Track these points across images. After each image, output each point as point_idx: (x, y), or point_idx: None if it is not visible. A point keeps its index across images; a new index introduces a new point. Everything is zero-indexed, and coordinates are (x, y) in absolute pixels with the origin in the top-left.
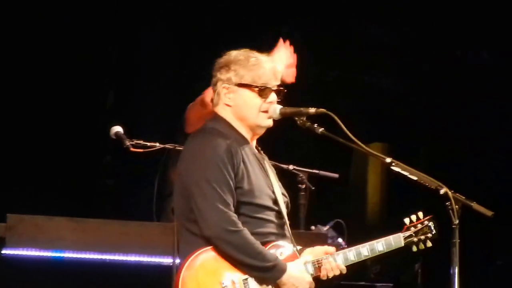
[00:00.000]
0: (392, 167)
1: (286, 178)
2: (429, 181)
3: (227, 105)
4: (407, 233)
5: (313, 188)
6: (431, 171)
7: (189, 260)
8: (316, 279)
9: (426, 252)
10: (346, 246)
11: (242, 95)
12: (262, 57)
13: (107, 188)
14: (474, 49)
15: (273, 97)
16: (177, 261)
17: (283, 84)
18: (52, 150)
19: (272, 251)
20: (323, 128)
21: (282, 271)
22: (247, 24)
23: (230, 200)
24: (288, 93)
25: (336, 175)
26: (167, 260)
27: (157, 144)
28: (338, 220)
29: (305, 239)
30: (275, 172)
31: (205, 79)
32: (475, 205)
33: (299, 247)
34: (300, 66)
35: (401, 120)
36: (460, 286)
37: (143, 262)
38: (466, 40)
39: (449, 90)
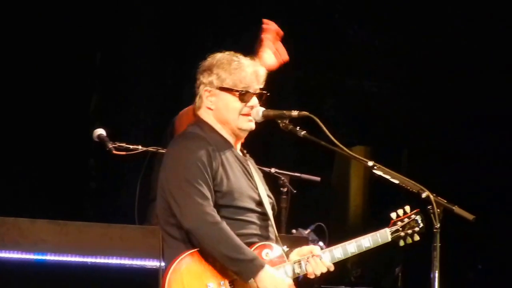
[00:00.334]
0: (374, 171)
1: (267, 181)
2: (411, 185)
3: (209, 108)
4: (394, 228)
5: (294, 191)
6: (413, 175)
7: (175, 263)
8: (297, 283)
9: (406, 256)
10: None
11: (223, 98)
12: (244, 61)
13: (90, 191)
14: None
15: (254, 101)
16: (162, 264)
17: (265, 88)
18: (35, 152)
19: (256, 251)
20: (305, 131)
21: (260, 266)
22: (230, 27)
23: (209, 195)
24: (271, 96)
25: (318, 179)
26: (149, 263)
27: (140, 147)
28: (320, 223)
29: (286, 243)
30: (261, 174)
31: (189, 83)
32: (456, 209)
33: (286, 248)
34: (283, 69)
35: (384, 123)
36: None
37: (125, 265)
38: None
39: (431, 93)
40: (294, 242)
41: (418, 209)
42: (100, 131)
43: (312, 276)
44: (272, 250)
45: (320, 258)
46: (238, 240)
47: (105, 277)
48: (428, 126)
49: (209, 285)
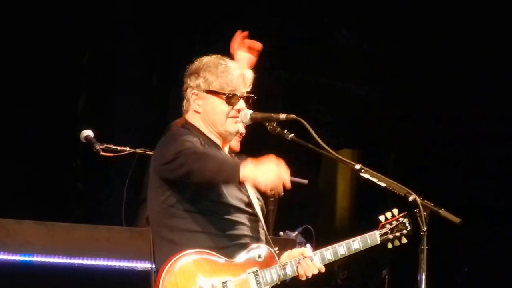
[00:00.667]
0: (361, 174)
1: None
2: (398, 188)
3: (197, 111)
4: (383, 231)
5: (282, 194)
6: (400, 178)
7: (169, 264)
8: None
9: (393, 258)
10: None
11: (210, 102)
12: (231, 64)
13: (77, 192)
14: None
15: (241, 104)
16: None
17: (252, 91)
18: (22, 153)
19: (252, 252)
20: (293, 134)
21: (242, 165)
22: (218, 30)
23: None
24: (258, 99)
25: (305, 181)
26: (136, 265)
27: (127, 149)
28: (307, 226)
29: (274, 245)
30: None
31: (176, 85)
32: (443, 212)
33: (277, 250)
34: (271, 72)
35: (371, 127)
36: None
37: (113, 266)
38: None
39: (419, 98)
40: (282, 244)
41: (406, 212)
42: (88, 133)
43: (303, 278)
44: (264, 251)
45: (311, 259)
46: (220, 155)
47: (92, 279)
48: (415, 130)
49: (203, 287)
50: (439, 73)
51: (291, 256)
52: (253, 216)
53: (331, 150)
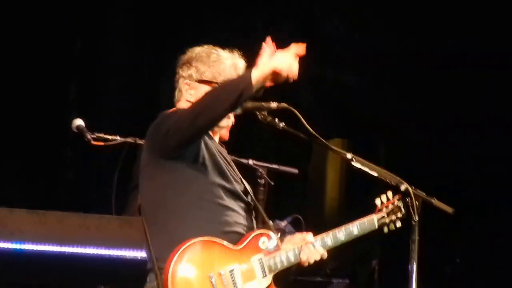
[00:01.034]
0: (353, 163)
1: (244, 173)
2: (390, 177)
3: (189, 101)
4: (380, 215)
5: (272, 183)
6: (391, 167)
7: (177, 254)
8: (274, 276)
9: (383, 248)
10: None
11: (202, 91)
12: (223, 54)
13: (66, 181)
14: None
15: None
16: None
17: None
18: (12, 142)
19: (255, 239)
20: (284, 123)
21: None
22: (208, 18)
23: None
24: None
25: (295, 171)
26: (126, 253)
27: (118, 138)
28: (297, 215)
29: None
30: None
31: (166, 75)
32: (435, 202)
33: (278, 236)
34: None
35: (362, 116)
36: (418, 283)
37: (102, 254)
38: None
39: (410, 87)
40: None
41: (401, 195)
42: (79, 122)
43: (306, 264)
44: (269, 239)
45: (313, 245)
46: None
47: (82, 267)
48: (406, 119)
49: (211, 275)
50: (429, 62)
51: (292, 242)
52: (247, 205)
53: (322, 140)
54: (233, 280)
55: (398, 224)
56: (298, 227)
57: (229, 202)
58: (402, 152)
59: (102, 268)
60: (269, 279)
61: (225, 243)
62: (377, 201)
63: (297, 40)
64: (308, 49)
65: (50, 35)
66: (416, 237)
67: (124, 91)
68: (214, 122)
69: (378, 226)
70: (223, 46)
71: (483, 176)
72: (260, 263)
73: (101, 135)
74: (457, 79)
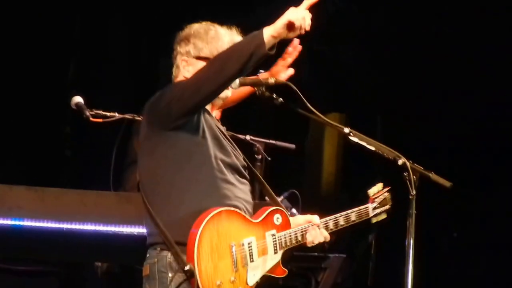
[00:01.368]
0: (350, 137)
1: (241, 149)
2: (387, 151)
3: (186, 78)
4: (374, 204)
5: (269, 158)
6: (388, 142)
7: (203, 224)
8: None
9: (380, 223)
10: None
11: (200, 67)
12: (221, 30)
13: (65, 158)
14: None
15: None
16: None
17: None
18: (11, 120)
19: (270, 214)
20: (281, 99)
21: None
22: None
23: None
24: None
25: (293, 146)
26: (123, 229)
27: (116, 114)
28: (293, 190)
29: (259, 209)
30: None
31: (165, 52)
32: (433, 176)
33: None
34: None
35: (359, 90)
36: (415, 258)
37: (100, 230)
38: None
39: (407, 60)
40: None
41: (389, 187)
42: (78, 99)
43: (311, 245)
44: (282, 216)
45: (319, 227)
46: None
47: (80, 243)
48: (403, 93)
49: (232, 244)
50: (427, 35)
51: (295, 223)
52: (246, 179)
53: (320, 114)
54: (250, 252)
55: (383, 216)
56: (294, 202)
57: (229, 176)
58: (399, 126)
59: (100, 244)
60: (279, 256)
61: (246, 214)
62: (370, 191)
63: None
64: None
65: (49, 13)
66: (413, 211)
67: (123, 68)
68: (223, 86)
69: (371, 216)
70: (222, 23)
71: (481, 150)
72: (273, 239)
73: (100, 111)
74: (455, 52)
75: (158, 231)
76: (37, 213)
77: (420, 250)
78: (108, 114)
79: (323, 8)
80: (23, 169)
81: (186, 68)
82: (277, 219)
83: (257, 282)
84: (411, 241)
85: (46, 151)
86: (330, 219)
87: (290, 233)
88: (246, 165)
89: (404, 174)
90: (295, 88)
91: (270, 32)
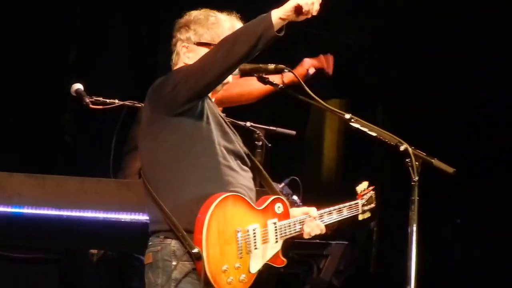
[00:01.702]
0: (352, 123)
1: (241, 135)
2: (389, 137)
3: (187, 64)
4: (363, 201)
5: (269, 145)
6: (389, 127)
7: (211, 209)
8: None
9: (381, 210)
10: (301, 203)
11: (201, 54)
12: (222, 16)
13: (64, 145)
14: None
15: None
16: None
17: None
18: (10, 107)
19: (272, 202)
20: (282, 84)
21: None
22: None
23: None
24: None
25: (293, 132)
26: (124, 216)
27: (116, 101)
28: (294, 177)
29: (260, 196)
30: None
31: (165, 39)
32: (436, 162)
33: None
34: None
35: (359, 76)
36: (418, 245)
37: (100, 218)
38: None
39: (408, 46)
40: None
41: (374, 186)
42: (78, 86)
43: (307, 236)
44: (283, 205)
45: (317, 219)
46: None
47: (80, 230)
48: (405, 79)
49: (238, 230)
50: (429, 20)
51: (292, 215)
52: (247, 166)
53: (320, 100)
54: (254, 239)
55: (368, 215)
56: (295, 188)
57: (232, 162)
58: (400, 112)
59: (100, 231)
60: (279, 245)
61: (250, 201)
62: (358, 188)
63: None
64: None
65: (49, 1)
66: (415, 197)
67: (123, 54)
68: (230, 69)
69: (360, 212)
70: (221, 10)
71: (484, 136)
72: (274, 227)
73: (100, 98)
74: (457, 38)
75: (162, 218)
76: (37, 200)
77: (423, 237)
78: (108, 101)
79: None
80: (23, 156)
81: (186, 54)
82: (278, 207)
83: (259, 270)
84: (414, 228)
85: (46, 138)
86: (325, 212)
87: (290, 223)
88: (247, 151)
89: (407, 160)
90: (295, 74)
91: (278, 14)
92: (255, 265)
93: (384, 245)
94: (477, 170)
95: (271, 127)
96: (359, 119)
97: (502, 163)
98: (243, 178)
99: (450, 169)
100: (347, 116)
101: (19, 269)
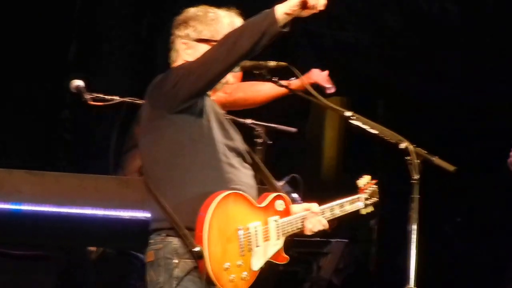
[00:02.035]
0: (352, 121)
1: (242, 132)
2: (390, 135)
3: (186, 61)
4: (365, 195)
5: (270, 142)
6: (389, 125)
7: (212, 207)
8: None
9: (382, 208)
10: (301, 201)
11: (201, 50)
12: (221, 12)
13: (64, 142)
14: (441, 2)
15: None
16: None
17: None
18: (10, 103)
19: (274, 200)
20: (283, 81)
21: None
22: None
23: None
24: None
25: (294, 129)
26: (123, 214)
27: (116, 98)
28: (294, 175)
29: (260, 194)
30: None
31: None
32: (436, 160)
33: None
34: None
35: (361, 73)
36: (418, 243)
37: (99, 215)
38: None
39: (409, 44)
40: None
41: (377, 180)
42: (78, 82)
43: (309, 233)
44: (284, 202)
45: (318, 215)
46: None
47: (80, 227)
48: (405, 77)
49: (239, 228)
50: (429, 18)
51: (293, 212)
52: (248, 163)
53: (321, 98)
54: (256, 237)
55: (371, 209)
56: (295, 186)
57: (233, 160)
58: (401, 110)
59: (99, 228)
60: (281, 242)
61: (251, 198)
62: (359, 183)
63: None
64: None
65: None
66: (416, 195)
67: (123, 51)
68: (233, 65)
69: (362, 206)
70: (219, 6)
71: (485, 134)
72: (276, 225)
73: (100, 95)
74: (457, 34)
75: (163, 216)
76: (36, 197)
77: (423, 235)
78: (107, 97)
79: None
80: (22, 153)
81: (186, 51)
82: (280, 205)
83: (261, 267)
84: (414, 226)
85: (45, 135)
86: (327, 207)
87: (291, 220)
88: (248, 149)
89: (407, 158)
90: (296, 71)
91: (283, 10)
92: (257, 263)
93: (384, 244)
94: (478, 168)
95: (271, 124)
96: (359, 116)
97: (504, 161)
98: (244, 175)
99: (450, 167)
100: (348, 113)
101: (17, 266)
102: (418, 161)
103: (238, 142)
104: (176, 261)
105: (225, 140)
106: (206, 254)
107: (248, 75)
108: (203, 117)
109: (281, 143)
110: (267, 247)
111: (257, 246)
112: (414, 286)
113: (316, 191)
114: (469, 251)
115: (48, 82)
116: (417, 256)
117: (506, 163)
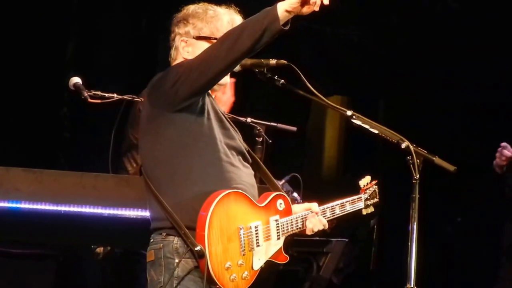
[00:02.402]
0: (353, 120)
1: (242, 131)
2: (390, 135)
3: (186, 59)
4: (366, 195)
5: (270, 141)
6: (391, 125)
7: (213, 205)
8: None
9: (382, 208)
10: (301, 200)
11: (200, 48)
12: (220, 10)
13: (63, 140)
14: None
15: None
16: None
17: None
18: (8, 101)
19: (274, 199)
20: (283, 80)
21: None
22: None
23: None
24: None
25: (294, 128)
26: (122, 212)
27: (115, 95)
28: (294, 174)
29: (260, 193)
30: None
31: (165, 33)
32: (437, 160)
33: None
34: None
35: (361, 73)
36: (418, 243)
37: (99, 213)
38: None
39: (410, 43)
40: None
41: (377, 180)
42: (76, 80)
43: (310, 233)
44: (285, 202)
45: (318, 215)
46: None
47: (78, 226)
48: (407, 76)
49: (240, 227)
50: (431, 17)
51: (293, 211)
52: (248, 163)
53: (322, 97)
54: (257, 237)
55: (372, 209)
56: (295, 185)
57: (234, 159)
58: (402, 110)
59: (98, 227)
60: (281, 242)
61: (252, 198)
62: (361, 182)
63: None
64: None
65: None
66: (416, 195)
67: (122, 48)
68: (234, 64)
69: (364, 206)
70: (219, 3)
71: (485, 134)
72: (276, 224)
73: (98, 92)
74: (459, 34)
75: (164, 215)
76: (35, 195)
77: (423, 235)
78: (106, 95)
79: None
80: (20, 151)
81: (185, 49)
82: (280, 204)
83: (261, 267)
84: (414, 226)
85: (44, 132)
86: (327, 207)
87: (292, 219)
88: (248, 148)
89: (408, 157)
90: (297, 69)
91: (284, 7)
92: (258, 262)
93: (384, 243)
94: (478, 168)
95: (271, 123)
96: (360, 116)
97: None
98: (245, 174)
99: (451, 167)
100: (349, 113)
101: (16, 265)
102: (419, 161)
103: (238, 141)
104: (177, 260)
105: (226, 139)
106: (207, 253)
107: (249, 73)
108: (203, 116)
109: (281, 142)
110: (268, 247)
111: (258, 246)
112: (414, 286)
113: (317, 190)
114: (469, 251)
115: (47, 80)
116: (418, 255)
117: (492, 165)
